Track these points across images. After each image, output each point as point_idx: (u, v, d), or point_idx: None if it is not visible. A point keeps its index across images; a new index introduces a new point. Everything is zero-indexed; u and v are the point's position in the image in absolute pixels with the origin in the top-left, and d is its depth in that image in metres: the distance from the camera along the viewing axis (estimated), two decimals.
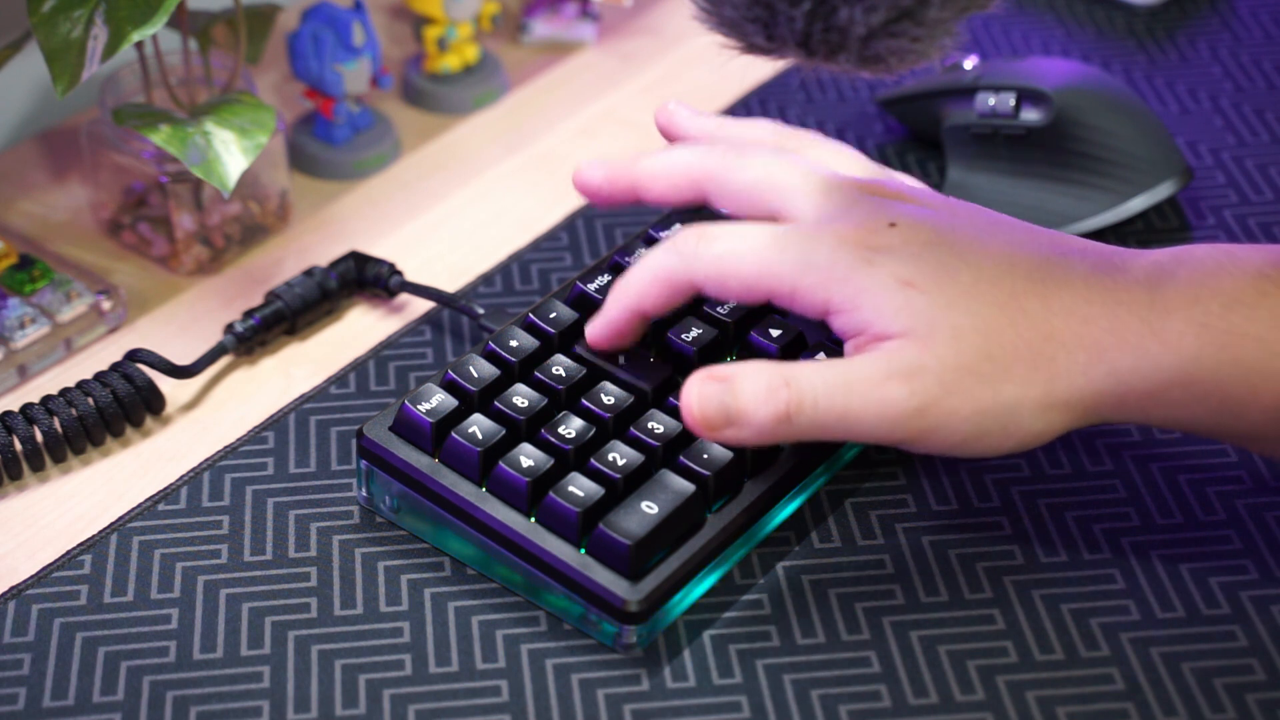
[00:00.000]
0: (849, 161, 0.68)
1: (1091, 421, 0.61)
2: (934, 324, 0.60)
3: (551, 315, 0.69)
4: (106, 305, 0.75)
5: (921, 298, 0.60)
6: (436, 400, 0.65)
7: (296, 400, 0.72)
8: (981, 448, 0.61)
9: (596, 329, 0.66)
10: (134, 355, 0.71)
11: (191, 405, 0.72)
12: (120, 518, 0.67)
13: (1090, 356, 0.60)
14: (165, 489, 0.68)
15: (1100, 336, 0.60)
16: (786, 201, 0.64)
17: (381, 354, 0.74)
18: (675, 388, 0.67)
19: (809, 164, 0.65)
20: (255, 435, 0.70)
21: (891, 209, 0.63)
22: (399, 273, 0.76)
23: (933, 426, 0.60)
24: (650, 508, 0.62)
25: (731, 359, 0.69)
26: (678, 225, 0.73)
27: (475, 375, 0.66)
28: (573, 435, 0.64)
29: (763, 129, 0.70)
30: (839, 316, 0.61)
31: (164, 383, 0.73)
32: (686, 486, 0.63)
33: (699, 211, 0.75)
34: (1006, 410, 0.60)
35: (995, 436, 0.60)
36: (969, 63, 0.82)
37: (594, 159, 0.68)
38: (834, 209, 0.63)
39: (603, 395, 0.66)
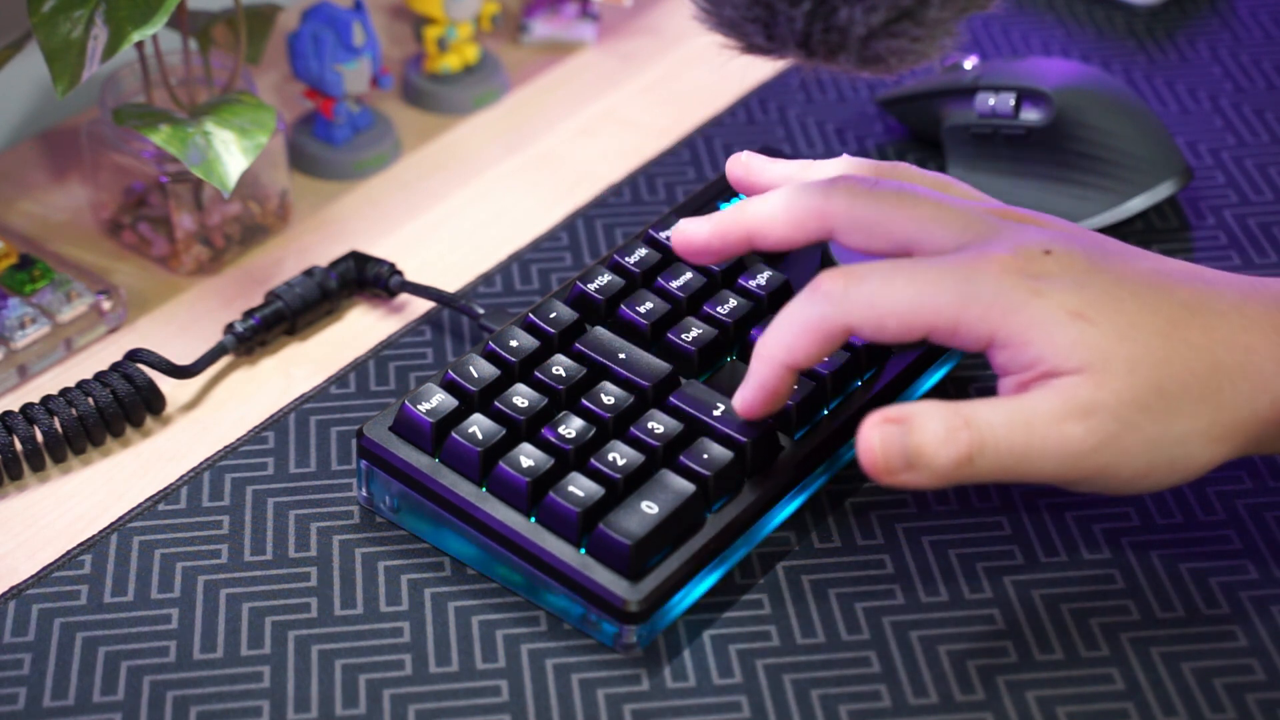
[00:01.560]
0: (961, 188, 0.66)
1: (1251, 451, 0.61)
2: (1108, 358, 0.58)
3: (551, 315, 0.69)
4: (106, 305, 0.75)
5: (1093, 330, 0.59)
6: (436, 400, 0.65)
7: (296, 400, 0.72)
8: (1149, 484, 0.60)
9: (749, 396, 0.63)
10: (134, 355, 0.71)
11: (191, 405, 0.72)
12: (120, 518, 0.67)
13: (1254, 386, 0.60)
14: (165, 489, 0.68)
15: (1263, 365, 0.60)
16: (923, 231, 0.62)
17: (381, 354, 0.74)
18: (675, 387, 0.67)
19: (933, 194, 0.63)
20: (255, 435, 0.70)
21: (1039, 235, 0.61)
22: (399, 273, 0.76)
23: (1108, 463, 0.59)
24: (650, 508, 0.62)
25: (732, 359, 0.69)
26: (681, 221, 0.73)
27: (475, 375, 0.66)
28: (573, 435, 0.64)
29: (848, 164, 0.68)
30: (1005, 351, 0.59)
31: (164, 383, 0.73)
32: (686, 486, 0.63)
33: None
34: (1177, 444, 0.59)
35: (1163, 472, 0.60)
36: (969, 63, 0.82)
37: (690, 219, 0.65)
38: (976, 237, 0.61)
39: (603, 395, 0.66)
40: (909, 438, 0.58)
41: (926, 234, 0.62)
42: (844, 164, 0.67)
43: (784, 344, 0.61)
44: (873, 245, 0.63)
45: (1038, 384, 0.59)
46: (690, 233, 0.65)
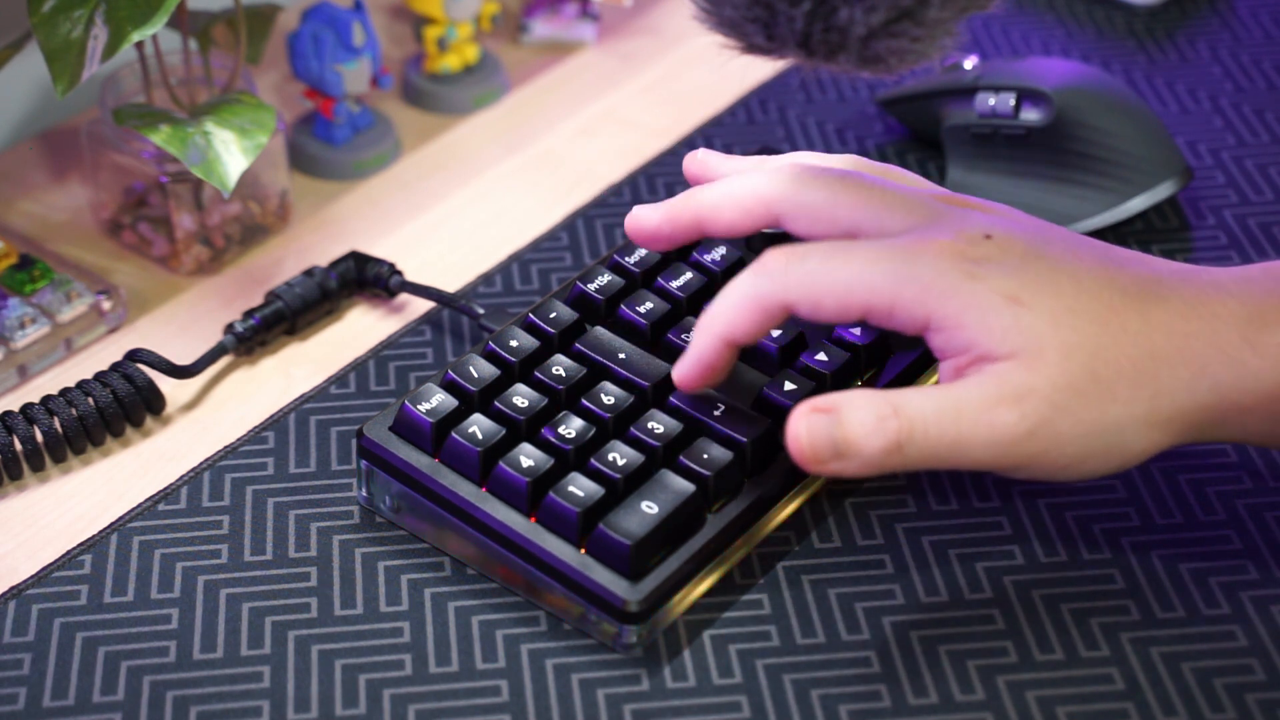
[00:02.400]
0: (910, 177, 0.67)
1: (1190, 439, 0.61)
2: (1042, 343, 0.59)
3: (551, 315, 0.69)
4: (106, 305, 0.75)
5: (1028, 315, 0.59)
6: (436, 400, 0.65)
7: (296, 400, 0.72)
8: (1086, 470, 0.60)
9: (686, 367, 0.63)
10: (134, 355, 0.71)
11: (191, 405, 0.72)
12: (120, 518, 0.67)
13: (1192, 372, 0.60)
14: (165, 489, 0.68)
15: (1202, 351, 0.60)
16: (868, 215, 0.62)
17: (381, 354, 0.74)
18: (675, 387, 0.67)
19: (880, 180, 0.64)
20: (255, 435, 0.70)
21: (981, 219, 0.61)
22: (399, 273, 0.76)
23: (1042, 449, 0.59)
24: (650, 508, 0.62)
25: None
26: (635, 207, 0.73)
27: (475, 375, 0.66)
28: (573, 435, 0.64)
29: (799, 157, 0.68)
30: (940, 334, 0.60)
31: (164, 383, 0.73)
32: (686, 486, 0.63)
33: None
34: (1113, 430, 0.59)
35: (1099, 458, 0.60)
36: (969, 63, 0.82)
37: (644, 205, 0.66)
38: (921, 221, 0.62)
39: (603, 395, 0.66)
40: (837, 428, 0.59)
41: (872, 219, 0.62)
42: (795, 157, 0.68)
43: (723, 318, 0.62)
44: (818, 230, 0.63)
45: (972, 369, 0.60)
46: (642, 218, 0.66)
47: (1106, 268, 0.61)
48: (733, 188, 0.65)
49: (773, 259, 0.61)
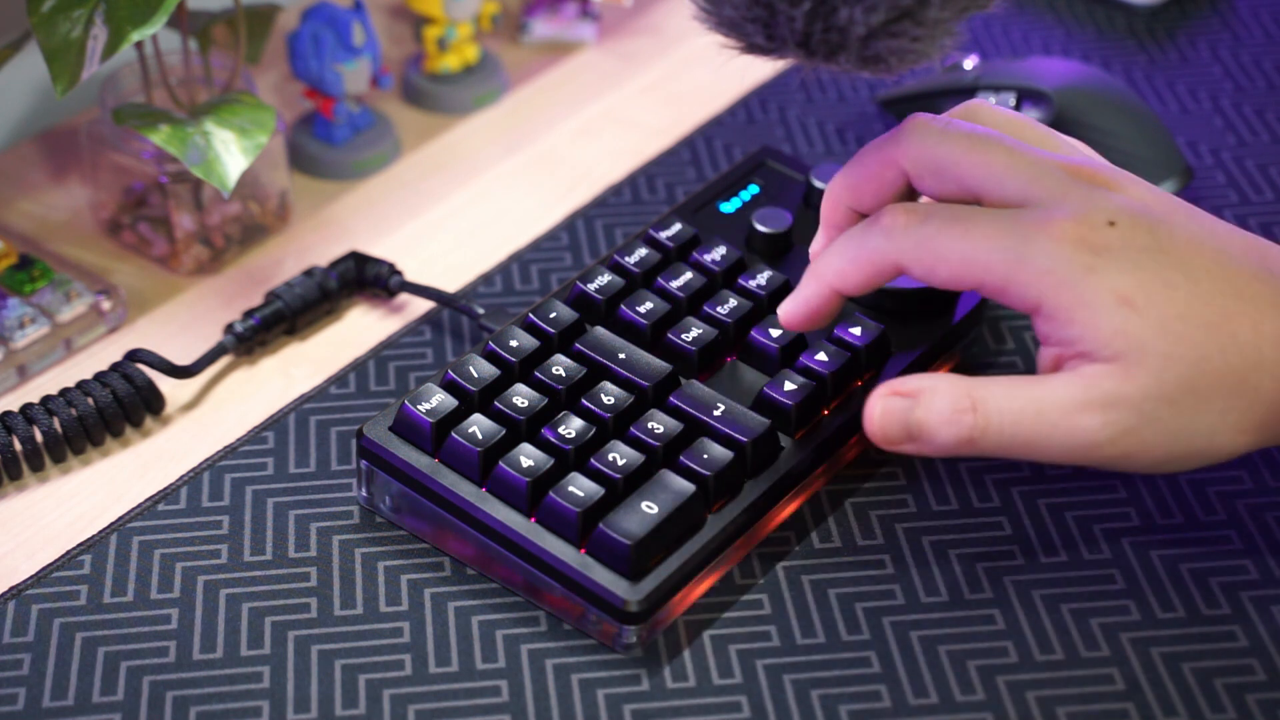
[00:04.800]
0: (1039, 133, 0.64)
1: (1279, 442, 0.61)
2: (1145, 351, 0.58)
3: (551, 315, 0.69)
4: (106, 305, 0.75)
5: (1137, 320, 0.58)
6: (436, 400, 0.65)
7: (296, 400, 0.72)
8: (1169, 469, 0.60)
9: (792, 309, 0.63)
10: (134, 355, 0.71)
11: (191, 405, 0.72)
12: (120, 518, 0.67)
13: None
14: (165, 489, 0.68)
15: None
16: (993, 180, 0.60)
17: (381, 354, 0.74)
18: (675, 387, 0.67)
19: (1009, 141, 0.61)
20: (255, 435, 0.70)
21: (1107, 201, 0.59)
22: (399, 273, 0.76)
23: (1122, 454, 0.59)
24: (650, 508, 0.62)
25: (732, 359, 0.69)
26: (678, 225, 0.73)
27: (475, 375, 0.66)
28: (573, 435, 0.64)
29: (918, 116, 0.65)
30: (1049, 322, 0.59)
31: (164, 383, 0.73)
32: (686, 486, 0.63)
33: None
34: (1202, 435, 0.59)
35: (1184, 460, 0.59)
36: (969, 63, 0.82)
37: (784, 305, 0.63)
38: (1045, 193, 0.60)
39: (603, 395, 0.66)
40: (913, 413, 0.59)
41: (995, 182, 0.61)
42: (913, 118, 0.64)
43: (835, 268, 0.61)
44: (943, 190, 0.62)
45: (1070, 364, 0.59)
46: (788, 321, 0.64)
47: (1226, 268, 0.59)
48: (859, 158, 0.63)
49: (893, 217, 0.60)
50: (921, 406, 0.59)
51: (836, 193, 0.64)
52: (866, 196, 0.63)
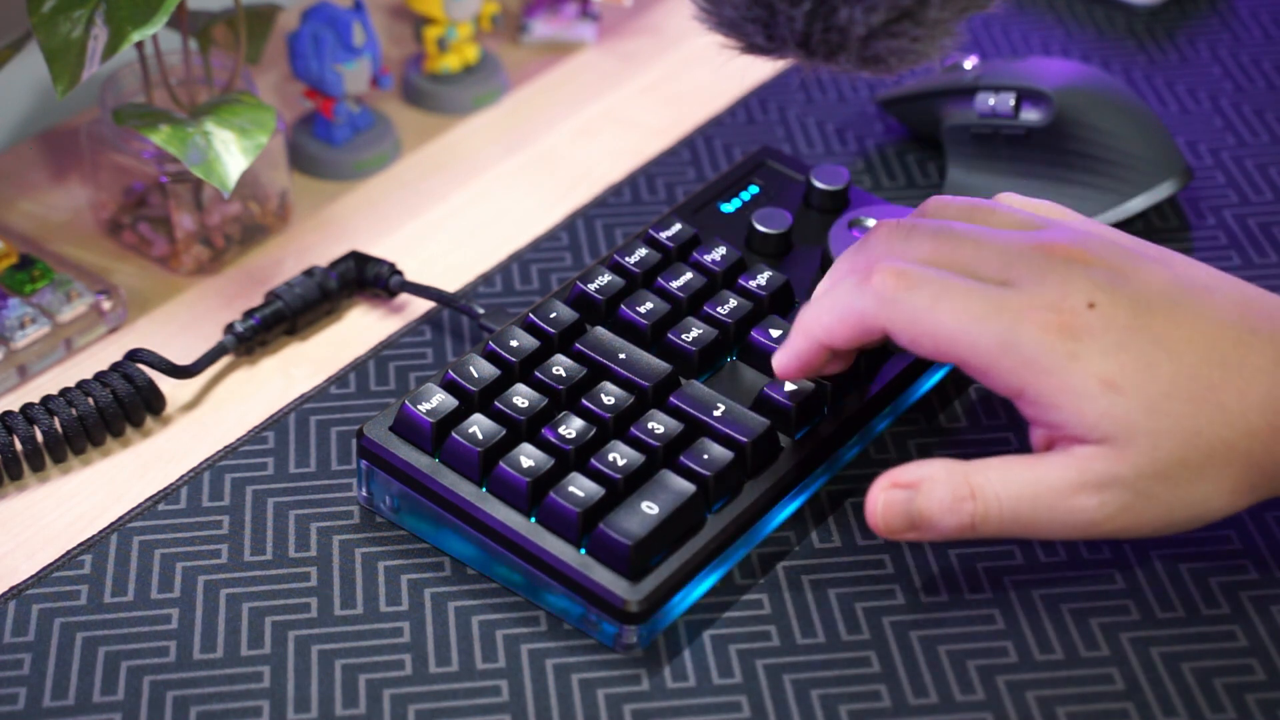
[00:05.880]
0: (1000, 214, 0.64)
1: (1276, 495, 0.61)
2: (1133, 432, 0.59)
3: (551, 315, 0.69)
4: (106, 305, 0.75)
5: (1123, 403, 0.58)
6: (436, 400, 0.65)
7: (296, 400, 0.72)
8: (1166, 533, 0.61)
9: (785, 361, 0.64)
10: (134, 355, 0.71)
11: (191, 405, 0.72)
12: (120, 518, 0.67)
13: None
14: (165, 489, 0.68)
15: None
16: (976, 259, 0.61)
17: (381, 354, 0.74)
18: (675, 387, 0.67)
19: (974, 229, 0.62)
20: (255, 435, 0.70)
21: (1084, 280, 0.60)
22: (399, 273, 0.76)
23: (1120, 529, 0.60)
24: (650, 508, 0.62)
25: (732, 359, 0.69)
26: (678, 225, 0.73)
27: (475, 375, 0.66)
28: (573, 435, 0.64)
29: (883, 223, 0.65)
30: (1033, 407, 0.60)
31: (164, 383, 0.73)
32: (686, 486, 0.63)
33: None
34: (1197, 504, 0.60)
35: (1180, 525, 0.60)
36: (969, 63, 0.82)
37: (779, 355, 0.64)
38: (1021, 277, 0.60)
39: (603, 395, 0.66)
40: (913, 503, 0.60)
41: (979, 261, 0.61)
42: (877, 226, 0.65)
43: (823, 325, 0.62)
44: (926, 260, 0.62)
45: (1059, 446, 0.60)
46: (782, 371, 0.65)
47: (1208, 335, 0.60)
48: (831, 284, 0.64)
49: (883, 280, 0.61)
50: (922, 496, 0.60)
51: (810, 322, 0.63)
52: None
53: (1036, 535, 0.60)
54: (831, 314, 0.62)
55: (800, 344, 0.63)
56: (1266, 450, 0.59)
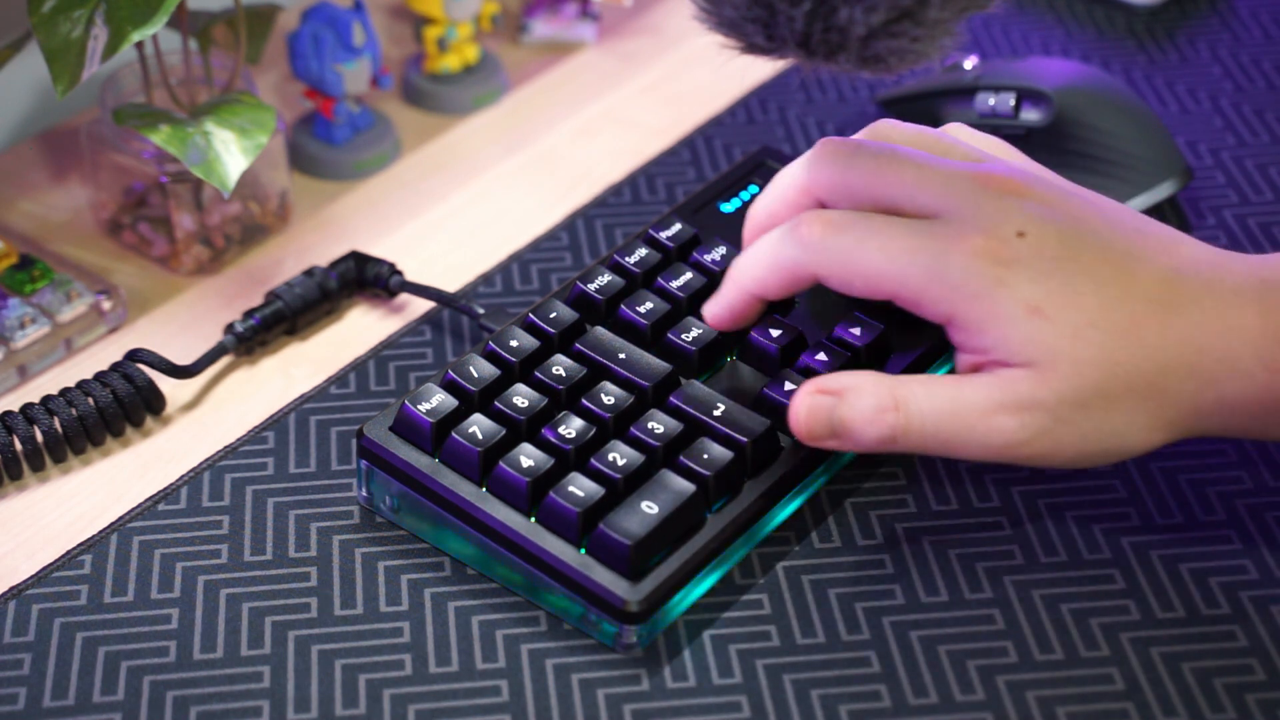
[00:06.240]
0: (947, 144, 0.65)
1: (1187, 436, 0.62)
2: (1056, 357, 0.60)
3: (551, 315, 0.69)
4: (106, 305, 0.75)
5: (1048, 328, 0.60)
6: (436, 400, 0.65)
7: (296, 400, 0.72)
8: (1081, 465, 0.62)
9: (715, 309, 0.66)
10: (134, 355, 0.71)
11: (191, 405, 0.72)
12: (120, 518, 0.67)
13: (1201, 384, 0.61)
14: (165, 489, 0.68)
15: (1212, 367, 0.60)
16: (904, 194, 0.62)
17: (381, 354, 0.74)
18: (675, 387, 0.67)
19: (917, 155, 0.63)
20: (255, 435, 0.70)
21: (1017, 211, 0.61)
22: (399, 273, 0.76)
23: (1037, 454, 0.61)
24: (650, 508, 0.62)
25: (731, 359, 0.69)
26: (678, 225, 0.73)
27: (475, 375, 0.66)
28: (573, 435, 0.64)
29: (826, 141, 0.66)
30: (961, 333, 0.61)
31: (164, 383, 0.73)
32: (686, 486, 0.63)
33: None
34: (1112, 435, 0.61)
35: (1097, 457, 0.61)
36: (969, 63, 0.82)
37: (709, 305, 0.66)
38: (957, 205, 0.61)
39: (603, 395, 0.66)
40: (836, 410, 0.61)
41: (908, 198, 0.62)
42: (822, 143, 0.66)
43: (754, 275, 0.64)
44: (860, 207, 0.63)
45: (985, 368, 0.61)
46: (712, 320, 0.66)
47: (1134, 272, 0.61)
48: (772, 188, 0.65)
49: (810, 228, 0.62)
50: (846, 404, 0.61)
51: (756, 220, 0.66)
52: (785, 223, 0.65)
53: (956, 452, 0.61)
54: (761, 264, 0.63)
55: (732, 294, 0.65)
56: (1181, 386, 0.60)
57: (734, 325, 0.66)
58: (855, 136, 0.65)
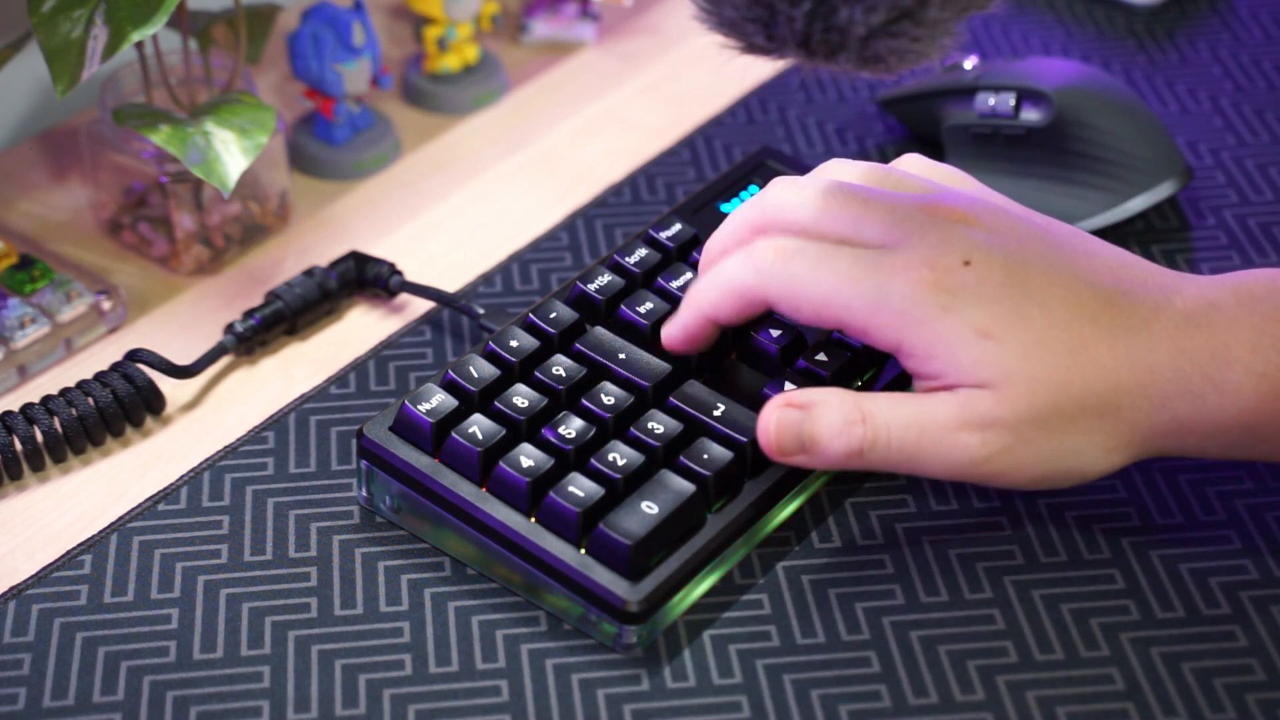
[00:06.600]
0: (895, 176, 0.66)
1: (1147, 456, 0.63)
2: (1010, 376, 0.60)
3: (551, 315, 0.69)
4: (106, 305, 0.75)
5: (997, 348, 0.61)
6: (436, 400, 0.65)
7: (296, 400, 0.72)
8: (1042, 486, 0.62)
9: (671, 333, 0.66)
10: (134, 355, 0.71)
11: (191, 405, 0.72)
12: (120, 518, 0.67)
13: (1154, 404, 0.61)
14: (165, 489, 0.68)
15: (1164, 387, 0.61)
16: (851, 228, 0.63)
17: (381, 354, 0.74)
18: (675, 387, 0.67)
19: (864, 190, 0.64)
20: (255, 435, 0.70)
21: (963, 240, 0.62)
22: (399, 273, 0.76)
23: (999, 472, 0.61)
24: (650, 508, 0.62)
25: (731, 359, 0.69)
26: (678, 225, 0.73)
27: (475, 375, 0.66)
28: (573, 435, 0.64)
29: (777, 181, 0.67)
30: (912, 360, 0.62)
31: (164, 383, 0.73)
32: (686, 486, 0.63)
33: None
34: (1071, 455, 0.61)
35: (1058, 478, 0.62)
36: (969, 63, 0.82)
37: (666, 327, 0.66)
38: (902, 236, 0.62)
39: (603, 395, 0.66)
40: (804, 425, 0.62)
41: (855, 232, 0.63)
42: (775, 181, 0.67)
43: (709, 299, 0.65)
44: (809, 234, 0.64)
45: (942, 390, 0.62)
46: (670, 343, 0.67)
47: (1080, 294, 0.62)
48: (724, 226, 0.66)
49: (763, 253, 0.63)
50: (813, 419, 0.62)
51: (710, 253, 0.67)
52: None
53: (920, 469, 0.62)
54: (715, 288, 0.64)
55: (687, 318, 0.65)
56: (1134, 406, 0.61)
57: (689, 349, 0.66)
58: (807, 176, 0.66)
